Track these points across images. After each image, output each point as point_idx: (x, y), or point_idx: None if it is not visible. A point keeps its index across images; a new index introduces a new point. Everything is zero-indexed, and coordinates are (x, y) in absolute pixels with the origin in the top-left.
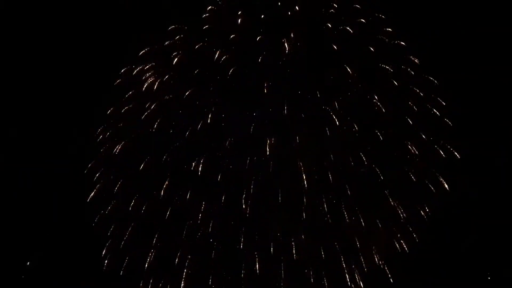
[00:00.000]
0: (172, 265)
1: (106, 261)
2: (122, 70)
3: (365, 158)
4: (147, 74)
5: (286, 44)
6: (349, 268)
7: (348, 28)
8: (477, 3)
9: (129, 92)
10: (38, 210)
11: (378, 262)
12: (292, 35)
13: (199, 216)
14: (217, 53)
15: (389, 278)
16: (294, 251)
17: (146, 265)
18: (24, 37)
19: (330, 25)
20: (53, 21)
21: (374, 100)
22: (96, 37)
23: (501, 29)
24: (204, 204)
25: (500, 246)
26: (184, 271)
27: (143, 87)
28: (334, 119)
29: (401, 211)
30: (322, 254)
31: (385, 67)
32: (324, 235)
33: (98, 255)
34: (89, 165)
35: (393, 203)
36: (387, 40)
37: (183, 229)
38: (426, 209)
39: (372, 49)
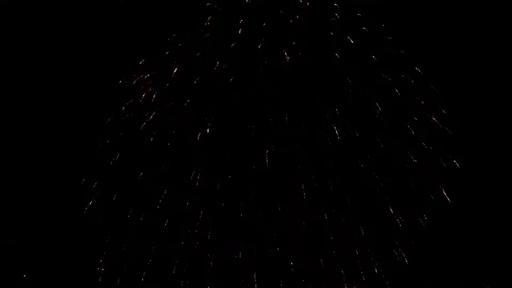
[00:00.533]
0: (170, 275)
1: (102, 271)
2: (122, 79)
3: (365, 166)
4: (147, 83)
5: (286, 53)
6: (347, 278)
7: (349, 37)
8: (481, 10)
9: (128, 101)
10: (34, 219)
11: (377, 270)
12: (293, 43)
13: (196, 225)
14: (217, 62)
15: (388, 286)
16: (292, 260)
17: (143, 275)
18: (24, 42)
19: (332, 34)
20: (52, 29)
21: (375, 109)
22: (96, 44)
23: (504, 36)
24: (202, 214)
25: (500, 254)
26: (181, 282)
27: (142, 96)
28: (334, 128)
29: (400, 219)
30: (321, 263)
31: (386, 75)
32: (323, 244)
33: (94, 264)
34: (87, 173)
35: (392, 211)
36: (388, 48)
37: (180, 239)
38: (425, 217)
39: (374, 57)
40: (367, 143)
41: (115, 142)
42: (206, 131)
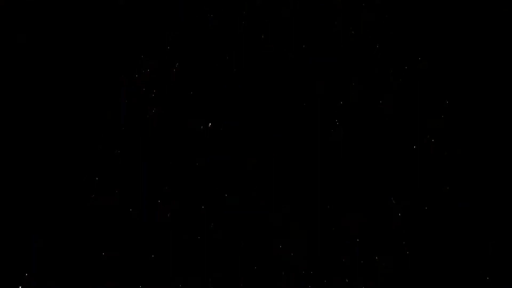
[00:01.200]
0: (170, 274)
1: (102, 269)
2: (122, 79)
3: (367, 162)
4: (147, 83)
5: (287, 51)
6: (348, 275)
7: (352, 29)
8: (486, 7)
9: (128, 101)
10: (33, 218)
11: (378, 268)
12: (295, 40)
13: (198, 220)
14: (218, 61)
15: (388, 284)
16: (293, 257)
17: (144, 274)
18: (24, 41)
19: (333, 28)
20: (52, 28)
21: (378, 103)
22: (95, 44)
23: (506, 30)
24: (204, 208)
25: (502, 254)
26: (181, 280)
27: (143, 95)
28: (336, 121)
29: (401, 212)
30: (322, 262)
31: (389, 69)
32: (324, 242)
33: (94, 264)
34: (87, 173)
35: (394, 208)
36: (391, 42)
37: (182, 237)
38: (426, 215)
39: (376, 52)
40: (370, 138)
41: (115, 141)
42: (208, 130)
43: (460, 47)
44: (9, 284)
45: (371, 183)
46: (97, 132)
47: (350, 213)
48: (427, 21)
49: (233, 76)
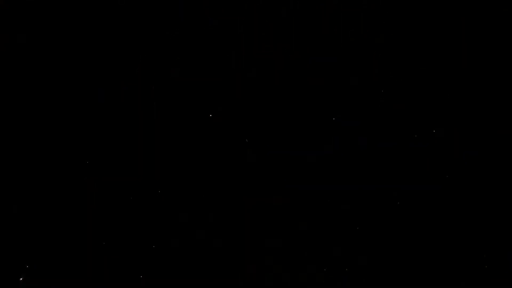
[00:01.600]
0: (169, 272)
1: (102, 269)
2: (121, 79)
3: (369, 157)
4: (147, 82)
5: (287, 50)
6: (348, 272)
7: (352, 29)
8: (486, 7)
9: (128, 98)
10: (33, 218)
11: (378, 266)
12: (294, 39)
13: (199, 216)
14: (218, 60)
15: (387, 282)
16: (292, 254)
17: (143, 273)
18: (24, 41)
19: (333, 28)
20: (51, 28)
21: (377, 101)
22: (96, 41)
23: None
24: (203, 203)
25: (502, 253)
26: (180, 278)
27: (142, 95)
28: (339, 121)
29: (400, 206)
30: (320, 259)
31: (389, 68)
32: (323, 239)
33: (93, 264)
34: (86, 172)
35: (394, 199)
36: (390, 41)
37: (181, 230)
38: (428, 210)
39: (376, 52)
40: (369, 136)
41: (115, 140)
42: (208, 129)
43: (460, 47)
44: (10, 278)
45: (371, 181)
46: (97, 132)
47: (350, 208)
48: (427, 21)
49: (233, 76)
